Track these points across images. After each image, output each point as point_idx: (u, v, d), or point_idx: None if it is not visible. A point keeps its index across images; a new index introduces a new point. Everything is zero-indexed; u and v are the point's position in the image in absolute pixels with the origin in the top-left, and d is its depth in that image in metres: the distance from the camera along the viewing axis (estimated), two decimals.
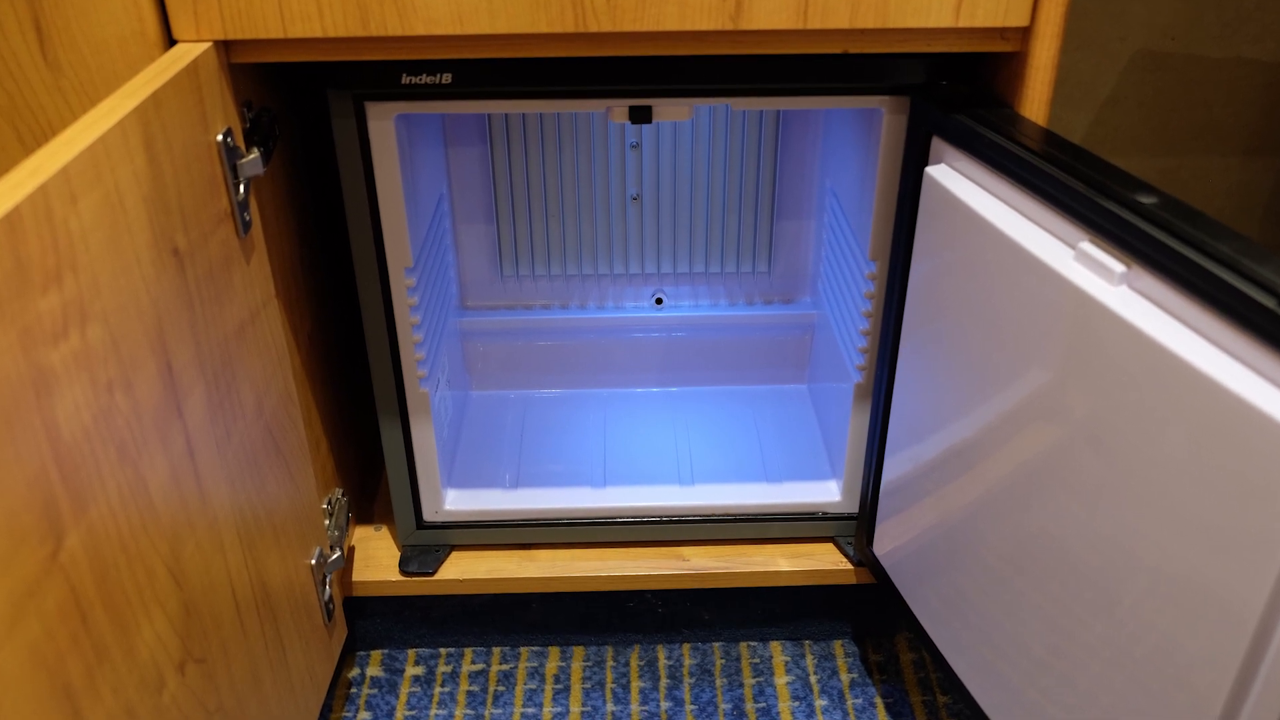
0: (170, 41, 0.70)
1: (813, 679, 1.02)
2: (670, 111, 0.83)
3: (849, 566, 1.00)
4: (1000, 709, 0.75)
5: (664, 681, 1.02)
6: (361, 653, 1.05)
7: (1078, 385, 0.61)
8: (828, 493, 1.03)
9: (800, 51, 0.75)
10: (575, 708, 0.99)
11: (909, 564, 0.88)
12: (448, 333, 1.08)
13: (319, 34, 0.71)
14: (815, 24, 0.72)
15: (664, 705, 0.99)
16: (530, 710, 0.99)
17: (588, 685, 1.01)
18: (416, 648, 1.05)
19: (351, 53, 0.74)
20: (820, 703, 0.99)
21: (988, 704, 0.77)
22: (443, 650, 1.05)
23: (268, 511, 0.74)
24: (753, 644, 1.06)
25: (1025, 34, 0.74)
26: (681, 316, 1.17)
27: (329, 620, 0.90)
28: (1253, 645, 0.52)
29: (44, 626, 0.45)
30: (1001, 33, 0.75)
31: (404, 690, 1.01)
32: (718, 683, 1.01)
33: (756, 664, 1.03)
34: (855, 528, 1.02)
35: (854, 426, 0.97)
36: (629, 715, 0.98)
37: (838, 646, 1.05)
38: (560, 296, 1.17)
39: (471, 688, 1.01)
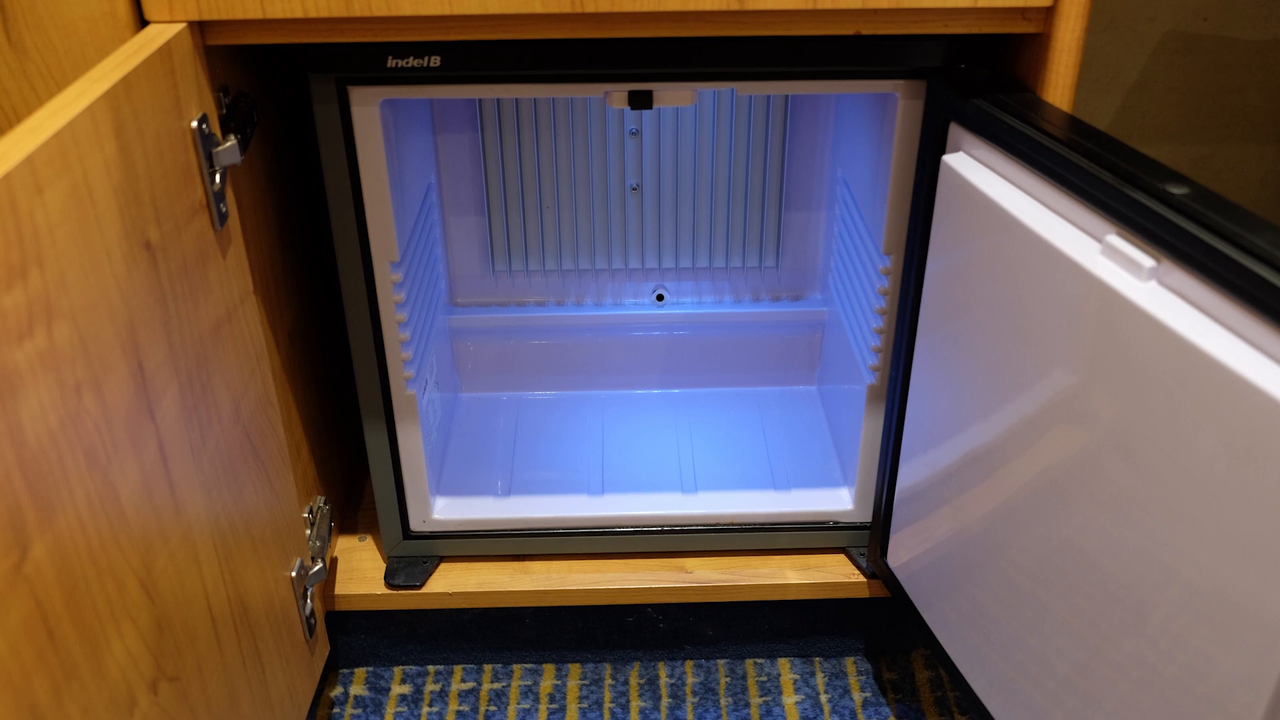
0: (142, 22, 0.70)
1: (823, 698, 1.02)
2: (672, 96, 0.83)
3: (861, 579, 1.00)
4: None
5: (665, 701, 1.02)
6: (345, 670, 1.05)
7: (1104, 387, 0.61)
8: (839, 501, 1.03)
9: (810, 33, 0.75)
10: None
11: (925, 576, 0.88)
12: (436, 331, 1.08)
13: (300, 14, 0.71)
14: (825, 3, 0.72)
15: None
16: None
17: (585, 705, 1.01)
18: (403, 665, 1.06)
19: (334, 34, 0.74)
20: None
21: None
22: (431, 668, 1.05)
23: (245, 521, 0.74)
24: (759, 661, 1.06)
25: (1048, 14, 0.74)
26: (684, 314, 1.18)
27: (310, 636, 0.90)
28: None
29: (8, 643, 0.45)
30: (1023, 12, 0.75)
31: (390, 710, 1.01)
32: (722, 702, 1.01)
33: (763, 682, 1.03)
34: (868, 538, 1.02)
35: (867, 431, 0.97)
36: None
37: (849, 664, 1.05)
38: (555, 293, 1.17)
39: (461, 707, 1.01)
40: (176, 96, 0.65)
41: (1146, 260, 0.58)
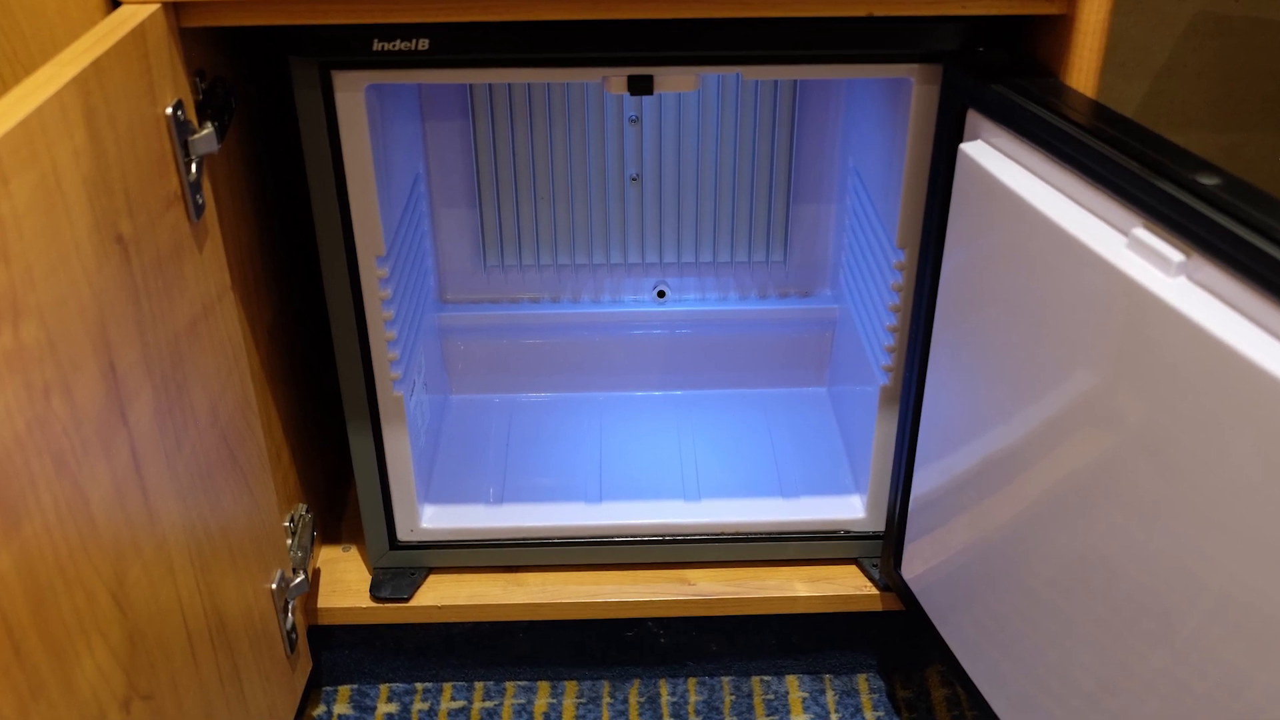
0: (114, 3, 0.70)
1: (834, 717, 1.02)
2: (674, 81, 0.83)
3: (874, 591, 1.00)
4: None
5: None
6: (328, 688, 1.05)
7: (1131, 388, 0.61)
8: (850, 509, 1.03)
9: (819, 14, 0.75)
10: None
11: (941, 588, 0.88)
12: (425, 330, 1.08)
13: None
14: None
15: None
16: None
17: None
18: (389, 682, 1.05)
19: (316, 15, 0.74)
20: None
21: None
22: (419, 685, 1.05)
23: (223, 530, 0.74)
24: (766, 678, 1.06)
25: None
26: (686, 311, 1.18)
27: (291, 652, 0.90)
28: None
29: None
30: None
31: None
32: None
33: (771, 700, 1.03)
34: (881, 548, 1.02)
35: (879, 434, 0.97)
36: None
37: (862, 681, 1.05)
38: (550, 289, 1.17)
39: None
40: (150, 81, 0.65)
41: (1175, 254, 0.58)
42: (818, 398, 1.20)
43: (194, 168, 0.70)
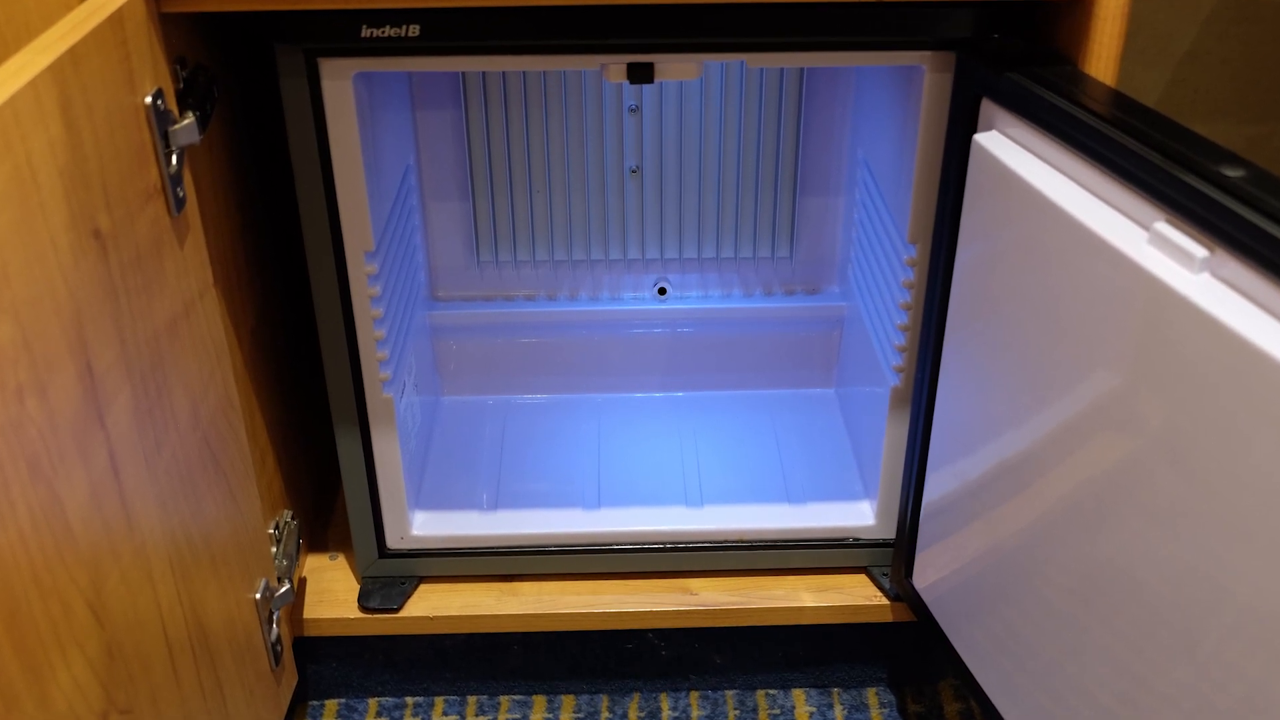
0: None
1: None
2: (675, 69, 0.83)
3: (884, 601, 1.00)
4: None
5: None
6: (314, 702, 1.05)
7: (1151, 389, 0.61)
8: (859, 515, 1.03)
9: None
10: None
11: (954, 598, 0.88)
12: (415, 328, 1.08)
13: None
14: None
15: None
16: None
17: None
18: (379, 696, 1.06)
19: (302, 0, 0.74)
20: None
21: None
22: (409, 699, 1.05)
23: (205, 537, 0.74)
24: (772, 692, 1.06)
25: None
26: (688, 309, 1.18)
27: (276, 664, 0.90)
28: None
29: None
30: None
31: None
32: None
33: (776, 715, 1.03)
34: (892, 556, 1.02)
35: (890, 438, 0.97)
36: None
37: (871, 695, 1.05)
38: (547, 286, 1.17)
39: None
40: (129, 69, 0.65)
41: (1198, 250, 0.58)
42: (825, 399, 1.21)
43: (174, 159, 0.70)
